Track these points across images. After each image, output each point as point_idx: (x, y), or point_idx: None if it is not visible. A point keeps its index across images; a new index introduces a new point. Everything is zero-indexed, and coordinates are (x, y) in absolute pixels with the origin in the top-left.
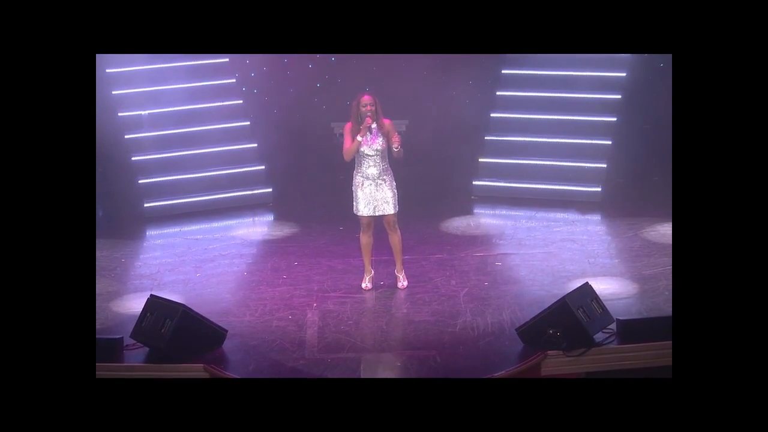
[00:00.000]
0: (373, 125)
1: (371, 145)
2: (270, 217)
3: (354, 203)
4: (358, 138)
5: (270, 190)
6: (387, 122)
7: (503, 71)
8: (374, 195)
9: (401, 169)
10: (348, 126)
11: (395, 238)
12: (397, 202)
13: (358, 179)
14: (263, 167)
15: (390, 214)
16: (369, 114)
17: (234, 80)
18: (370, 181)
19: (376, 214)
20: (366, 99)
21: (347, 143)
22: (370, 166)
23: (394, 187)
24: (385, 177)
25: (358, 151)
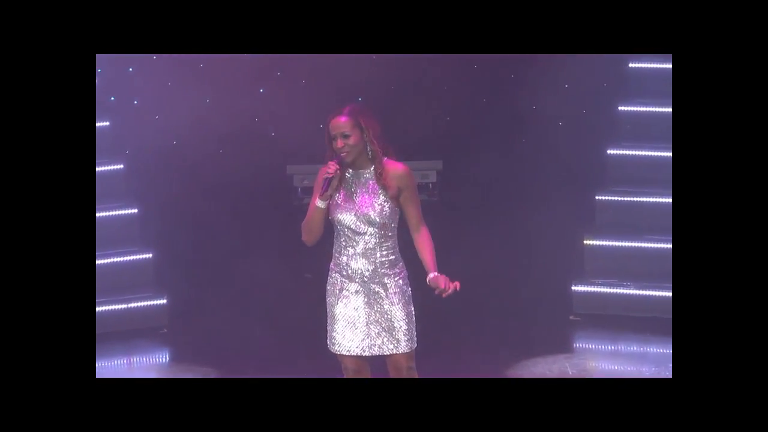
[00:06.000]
0: (335, 177)
1: (360, 212)
2: (163, 356)
3: (328, 328)
4: (318, 202)
5: (163, 301)
6: (400, 169)
7: (631, 65)
8: (366, 314)
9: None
10: (321, 174)
11: None
12: (413, 328)
13: (334, 280)
14: (150, 255)
15: (398, 355)
16: (344, 152)
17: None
18: (357, 285)
19: (371, 352)
20: (337, 122)
21: (309, 209)
22: (355, 255)
23: (408, 296)
24: (388, 278)
25: (320, 225)
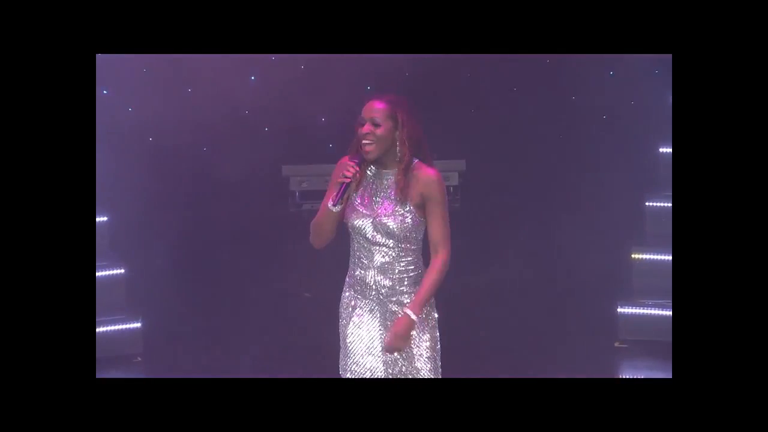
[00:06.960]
0: (354, 182)
1: (378, 220)
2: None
3: (341, 351)
4: (330, 205)
5: (138, 325)
6: (426, 174)
7: None
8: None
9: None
10: (338, 169)
11: None
12: (437, 356)
13: (347, 296)
14: (122, 271)
15: None
16: (367, 140)
17: None
18: (372, 303)
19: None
20: (372, 106)
21: (321, 208)
22: (370, 268)
23: (433, 319)
24: (408, 297)
25: (331, 228)
